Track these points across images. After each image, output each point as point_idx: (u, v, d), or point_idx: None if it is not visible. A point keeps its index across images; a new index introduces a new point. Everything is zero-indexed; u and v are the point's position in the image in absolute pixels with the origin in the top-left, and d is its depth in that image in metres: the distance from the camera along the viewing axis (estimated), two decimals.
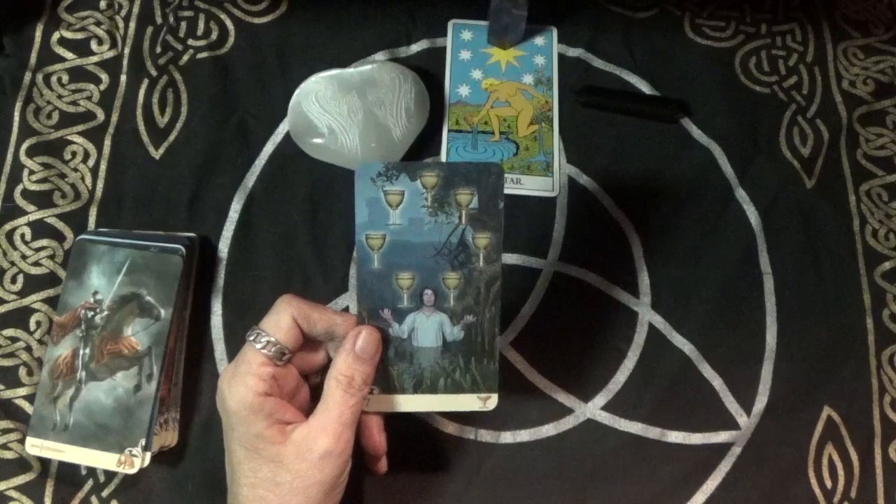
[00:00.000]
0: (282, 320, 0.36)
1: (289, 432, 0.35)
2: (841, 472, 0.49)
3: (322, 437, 0.35)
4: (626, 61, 0.58)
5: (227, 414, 0.35)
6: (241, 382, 0.35)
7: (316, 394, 0.38)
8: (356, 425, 0.36)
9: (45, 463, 0.46)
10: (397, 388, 0.39)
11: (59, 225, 0.50)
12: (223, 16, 0.57)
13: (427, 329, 0.38)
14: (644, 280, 0.52)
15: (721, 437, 0.49)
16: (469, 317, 0.38)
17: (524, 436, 0.48)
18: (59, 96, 0.53)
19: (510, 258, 0.52)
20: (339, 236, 0.51)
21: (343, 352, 0.36)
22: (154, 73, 0.55)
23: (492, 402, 0.39)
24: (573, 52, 0.58)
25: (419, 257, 0.37)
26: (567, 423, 0.49)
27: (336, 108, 0.52)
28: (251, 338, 0.36)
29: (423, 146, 0.54)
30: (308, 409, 0.37)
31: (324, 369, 0.38)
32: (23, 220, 0.50)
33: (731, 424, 0.49)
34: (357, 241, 0.37)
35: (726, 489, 0.48)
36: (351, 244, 0.51)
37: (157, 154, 0.53)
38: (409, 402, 0.39)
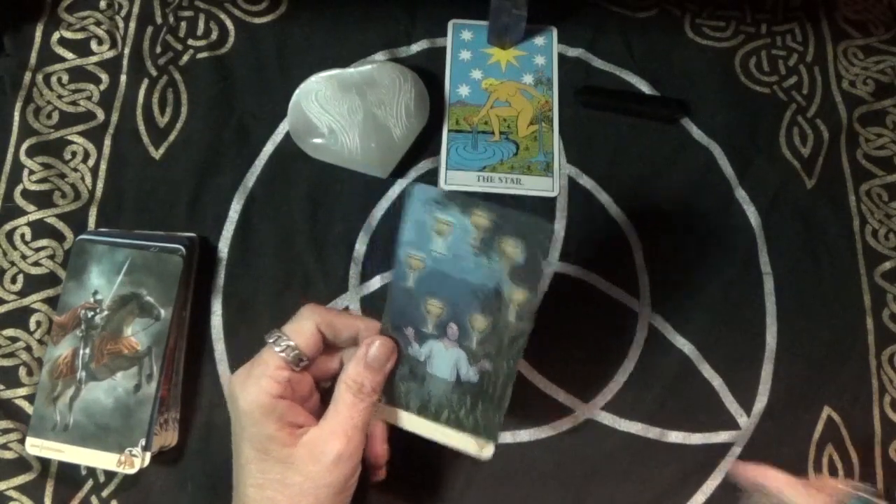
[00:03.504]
0: (305, 327, 0.37)
1: (300, 435, 0.35)
2: (841, 472, 0.49)
3: (334, 440, 0.35)
4: (626, 61, 0.58)
5: (237, 414, 0.35)
6: (256, 383, 0.35)
7: (326, 399, 0.38)
8: (366, 429, 0.36)
9: (45, 463, 0.46)
10: (402, 405, 0.39)
11: (59, 225, 0.50)
12: (223, 16, 0.57)
13: (444, 360, 0.38)
14: (644, 280, 0.52)
15: (721, 437, 0.49)
16: (486, 363, 0.37)
17: (524, 436, 0.48)
18: (59, 96, 0.53)
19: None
20: (339, 236, 0.51)
21: (355, 359, 0.37)
22: (154, 73, 0.55)
23: (488, 450, 0.38)
24: (573, 52, 0.58)
25: (453, 290, 0.37)
26: (567, 423, 0.49)
27: (336, 108, 0.52)
28: (271, 340, 0.36)
29: (423, 146, 0.54)
30: (318, 414, 0.37)
31: (336, 377, 0.38)
32: (23, 220, 0.50)
33: (731, 424, 0.49)
34: (397, 255, 0.37)
35: (726, 489, 0.48)
36: (351, 244, 0.51)
37: (157, 154, 0.53)
38: (410, 421, 0.39)
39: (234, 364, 0.48)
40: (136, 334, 0.45)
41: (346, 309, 0.50)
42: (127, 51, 0.55)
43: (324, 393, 0.40)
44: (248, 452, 0.35)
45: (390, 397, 0.39)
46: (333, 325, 0.37)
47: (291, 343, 0.36)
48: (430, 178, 0.53)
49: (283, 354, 0.36)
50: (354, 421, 0.35)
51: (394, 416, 0.39)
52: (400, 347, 0.38)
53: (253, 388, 0.35)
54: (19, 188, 0.51)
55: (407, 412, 0.39)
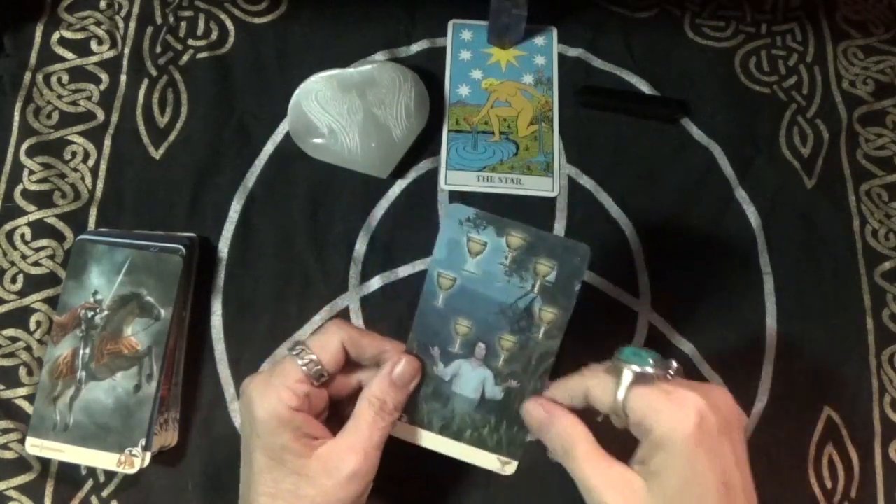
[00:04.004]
0: (330, 343, 0.36)
1: (315, 446, 0.35)
2: (841, 472, 0.49)
3: (350, 456, 0.34)
4: (626, 61, 0.58)
5: (252, 421, 0.35)
6: (275, 393, 0.34)
7: (336, 414, 0.38)
8: (382, 447, 0.36)
9: (45, 463, 0.46)
10: (424, 424, 0.38)
11: (59, 225, 0.50)
12: (223, 16, 0.57)
13: (470, 379, 0.38)
14: (644, 280, 0.52)
15: None
16: (513, 382, 0.37)
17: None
18: (59, 96, 0.53)
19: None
20: (339, 236, 0.51)
21: (380, 376, 0.36)
22: (154, 73, 0.55)
23: (510, 467, 0.38)
24: (573, 52, 0.58)
25: (482, 310, 0.37)
26: None
27: (336, 108, 0.52)
28: (295, 352, 0.36)
29: (423, 146, 0.54)
30: (330, 429, 0.37)
31: (352, 396, 0.38)
32: (23, 220, 0.50)
33: None
34: (429, 274, 0.37)
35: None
36: (351, 244, 0.51)
37: (157, 154, 0.53)
38: (431, 440, 0.38)
39: (234, 364, 0.48)
40: (136, 334, 0.45)
41: (346, 309, 0.50)
42: (127, 51, 0.55)
43: (337, 409, 0.40)
44: (261, 461, 0.35)
45: (412, 416, 0.38)
46: (359, 344, 0.37)
47: (314, 357, 0.36)
48: (430, 178, 0.53)
49: (305, 368, 0.35)
50: (374, 439, 0.35)
51: (415, 435, 0.39)
52: (425, 366, 0.38)
53: (272, 398, 0.34)
54: (19, 188, 0.51)
55: (428, 431, 0.38)
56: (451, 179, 0.53)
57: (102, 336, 0.44)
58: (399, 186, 0.53)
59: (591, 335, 0.50)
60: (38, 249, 0.50)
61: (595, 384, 0.33)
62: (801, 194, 0.55)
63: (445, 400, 0.38)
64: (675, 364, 0.34)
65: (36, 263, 0.49)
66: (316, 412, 0.37)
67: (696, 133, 0.56)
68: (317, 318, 0.50)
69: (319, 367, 0.36)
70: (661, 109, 0.56)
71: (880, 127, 0.57)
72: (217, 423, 0.47)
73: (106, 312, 0.45)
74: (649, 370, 0.32)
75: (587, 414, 0.35)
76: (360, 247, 0.51)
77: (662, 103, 0.57)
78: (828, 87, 0.58)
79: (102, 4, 0.56)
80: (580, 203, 0.54)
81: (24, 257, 0.49)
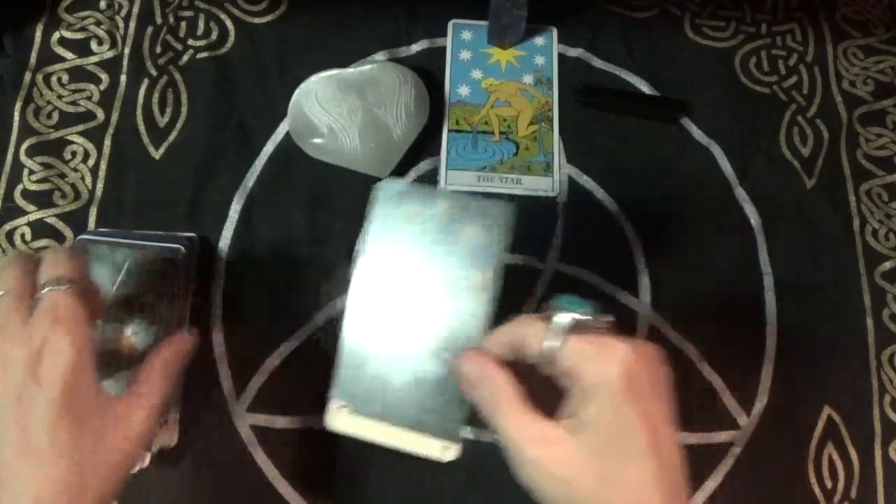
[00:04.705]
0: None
1: None
2: (841, 472, 0.49)
3: None
4: (626, 61, 0.58)
5: None
6: None
7: None
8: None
9: None
10: (367, 411, 0.37)
11: (59, 225, 0.50)
12: (223, 16, 0.57)
13: (407, 358, 0.37)
14: (644, 280, 0.52)
15: (721, 437, 0.49)
16: (449, 354, 0.36)
17: None
18: (59, 96, 0.53)
19: (510, 258, 0.52)
20: (339, 236, 0.51)
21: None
22: (154, 73, 0.55)
23: (452, 452, 0.36)
24: (573, 52, 0.58)
25: (415, 282, 0.37)
26: None
27: (336, 108, 0.52)
28: None
29: (423, 146, 0.54)
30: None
31: None
32: (23, 220, 0.50)
33: (731, 424, 0.49)
34: (361, 253, 0.37)
35: (726, 489, 0.48)
36: (351, 244, 0.51)
37: (157, 154, 0.53)
38: (374, 429, 0.37)
39: (234, 364, 0.48)
40: (136, 334, 0.44)
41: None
42: (127, 51, 0.55)
43: None
44: None
45: (354, 405, 0.37)
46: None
47: None
48: (431, 178, 0.53)
49: None
50: None
51: (356, 425, 0.37)
52: (364, 348, 0.37)
53: None
54: (19, 188, 0.51)
55: (371, 420, 0.37)
56: (451, 179, 0.53)
57: (102, 336, 0.44)
58: None
59: None
60: (37, 249, 0.50)
61: (529, 331, 0.32)
62: (801, 194, 0.55)
63: (384, 383, 0.37)
64: (611, 318, 0.33)
65: None
66: None
67: (696, 133, 0.56)
68: (317, 318, 0.50)
69: None
70: (661, 109, 0.56)
71: (880, 127, 0.57)
72: (217, 423, 0.47)
73: (104, 309, 0.45)
74: (583, 318, 0.32)
75: (522, 370, 0.34)
76: (361, 247, 0.51)
77: (662, 103, 0.57)
78: (828, 87, 0.58)
79: (102, 4, 0.56)
80: (580, 203, 0.54)
81: None
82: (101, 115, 0.53)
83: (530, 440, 0.30)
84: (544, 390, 0.32)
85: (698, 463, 0.48)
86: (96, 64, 0.55)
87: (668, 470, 0.29)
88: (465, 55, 0.57)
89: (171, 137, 0.53)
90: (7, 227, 0.50)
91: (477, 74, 0.57)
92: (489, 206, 0.36)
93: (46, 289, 0.34)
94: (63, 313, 0.34)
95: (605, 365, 0.30)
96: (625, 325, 0.51)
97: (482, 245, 0.36)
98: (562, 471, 0.30)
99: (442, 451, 0.36)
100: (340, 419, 0.37)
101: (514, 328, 0.33)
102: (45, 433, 0.32)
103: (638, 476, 0.29)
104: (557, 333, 0.31)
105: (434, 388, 0.37)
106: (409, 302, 0.37)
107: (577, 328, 0.31)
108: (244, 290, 0.50)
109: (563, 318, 0.31)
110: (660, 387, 0.31)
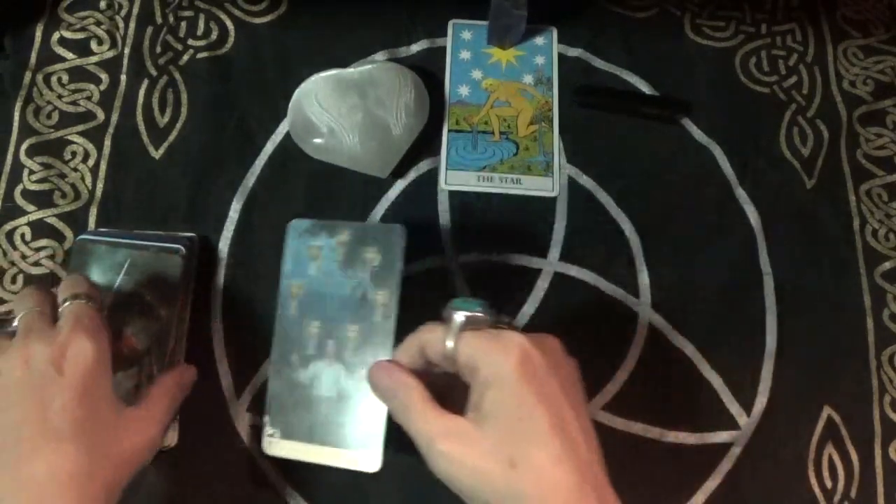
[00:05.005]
0: None
1: None
2: (841, 472, 0.49)
3: None
4: (626, 61, 0.58)
5: None
6: None
7: None
8: None
9: None
10: (294, 435, 0.40)
11: (59, 225, 0.50)
12: (223, 16, 0.57)
13: (326, 379, 0.40)
14: (644, 280, 0.52)
15: (721, 437, 0.49)
16: (363, 370, 0.38)
17: None
18: (59, 96, 0.53)
19: (511, 258, 0.52)
20: None
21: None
22: (154, 73, 0.55)
23: (375, 463, 0.39)
24: (573, 52, 0.58)
25: (327, 308, 0.40)
26: None
27: (336, 108, 0.52)
28: None
29: (423, 146, 0.54)
30: None
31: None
32: (23, 220, 0.50)
33: (731, 424, 0.49)
34: (280, 287, 0.41)
35: (726, 489, 0.48)
36: None
37: (157, 154, 0.53)
38: (303, 451, 0.40)
39: (235, 364, 0.48)
40: (136, 334, 0.44)
41: None
42: (127, 51, 0.55)
43: None
44: None
45: (284, 431, 0.40)
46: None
47: None
48: (430, 177, 0.53)
49: None
50: None
51: (286, 448, 0.40)
52: (288, 375, 0.40)
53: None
54: (19, 188, 0.51)
55: (300, 442, 0.40)
56: (451, 179, 0.53)
57: None
58: (399, 186, 0.53)
59: (591, 335, 0.51)
60: (38, 249, 0.50)
61: (430, 336, 0.34)
62: (801, 194, 0.55)
63: (307, 405, 0.40)
64: (507, 318, 0.35)
65: (36, 263, 0.49)
66: None
67: (696, 133, 0.56)
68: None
69: None
70: (661, 109, 0.56)
71: (880, 127, 0.57)
72: (217, 423, 0.47)
73: (106, 312, 0.45)
74: (474, 314, 0.33)
75: (437, 378, 0.35)
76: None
77: (662, 103, 0.57)
78: (828, 87, 0.58)
79: (102, 4, 0.56)
80: (580, 203, 0.54)
81: (24, 257, 0.49)
82: (101, 115, 0.53)
83: (438, 435, 0.32)
84: (459, 392, 0.34)
85: (698, 463, 0.48)
86: (96, 64, 0.55)
87: (574, 448, 0.31)
88: (465, 55, 0.57)
89: (171, 137, 0.53)
90: (7, 227, 0.50)
91: (477, 74, 0.57)
92: (383, 230, 0.41)
93: (68, 303, 0.38)
94: (87, 321, 0.37)
95: (500, 355, 0.31)
96: (625, 325, 0.51)
97: (384, 266, 0.40)
98: (471, 460, 0.31)
99: (365, 463, 0.39)
100: (272, 446, 0.41)
101: (418, 335, 0.35)
102: (64, 418, 0.34)
103: (545, 457, 0.30)
104: (454, 332, 0.33)
105: (353, 404, 0.40)
106: (325, 327, 0.40)
107: (470, 325, 0.33)
108: (244, 290, 0.50)
109: (458, 316, 0.33)
110: (561, 371, 0.33)
